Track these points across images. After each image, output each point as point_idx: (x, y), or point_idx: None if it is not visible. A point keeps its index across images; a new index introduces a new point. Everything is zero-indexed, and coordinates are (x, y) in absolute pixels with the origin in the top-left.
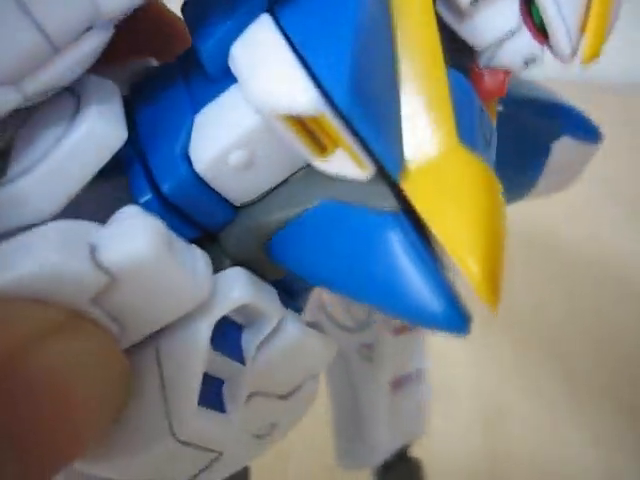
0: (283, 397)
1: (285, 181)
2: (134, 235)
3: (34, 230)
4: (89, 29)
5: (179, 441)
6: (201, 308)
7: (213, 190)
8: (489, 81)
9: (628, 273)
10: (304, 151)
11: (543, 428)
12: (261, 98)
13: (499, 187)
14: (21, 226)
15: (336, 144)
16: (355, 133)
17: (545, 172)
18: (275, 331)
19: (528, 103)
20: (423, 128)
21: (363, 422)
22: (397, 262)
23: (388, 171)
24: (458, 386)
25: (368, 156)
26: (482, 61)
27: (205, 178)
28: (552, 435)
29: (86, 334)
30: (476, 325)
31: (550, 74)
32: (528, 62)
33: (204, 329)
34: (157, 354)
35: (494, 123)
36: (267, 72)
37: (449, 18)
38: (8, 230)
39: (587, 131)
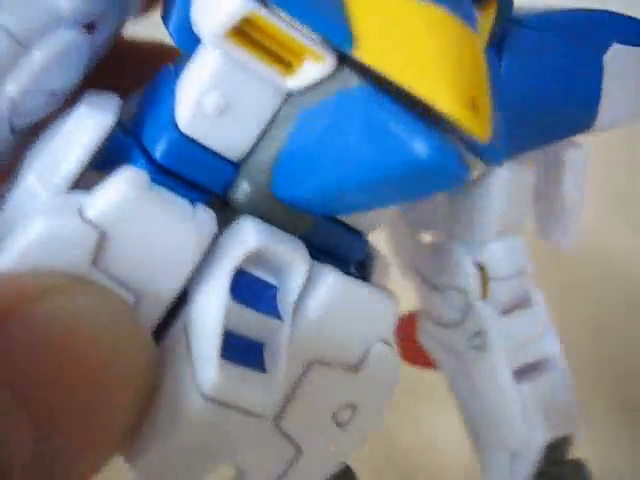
0: (351, 368)
1: (271, 122)
2: (113, 184)
3: (35, 208)
4: (57, 29)
5: (208, 398)
6: (217, 261)
7: (206, 148)
8: None
9: (623, 271)
10: (272, 75)
11: None
12: (206, 27)
13: (466, 28)
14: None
15: (296, 55)
16: (294, 25)
17: (607, 90)
18: (312, 284)
19: (560, 27)
20: None
21: (496, 423)
22: (372, 124)
23: (340, 48)
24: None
25: (321, 47)
26: None
27: (192, 135)
28: None
29: (93, 294)
30: None
31: None
32: None
33: (221, 280)
34: (184, 323)
35: None
36: (207, 7)
37: None
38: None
39: (637, 31)
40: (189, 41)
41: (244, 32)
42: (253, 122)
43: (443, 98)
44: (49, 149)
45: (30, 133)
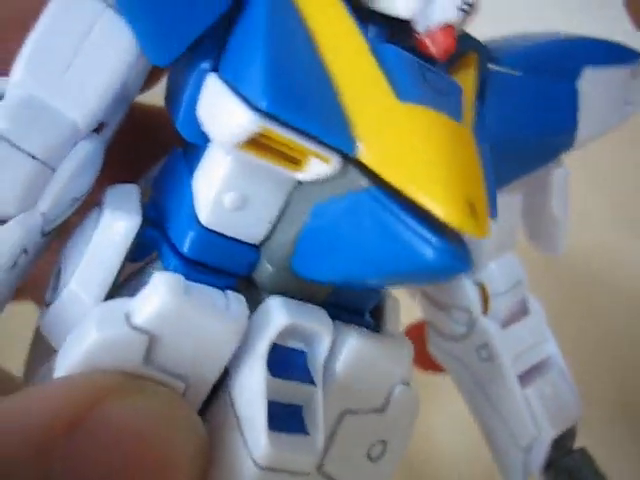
0: (379, 410)
1: (285, 207)
2: (154, 292)
3: (80, 324)
4: (76, 144)
5: (261, 467)
6: (252, 341)
7: (228, 237)
8: (432, 44)
9: (622, 273)
10: (282, 171)
11: None
12: (218, 137)
13: (452, 124)
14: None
15: (304, 154)
16: (302, 133)
17: (583, 112)
18: (337, 347)
19: (534, 64)
20: (359, 103)
21: (507, 425)
22: (382, 227)
23: (346, 153)
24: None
25: (327, 150)
26: (420, 28)
27: (214, 228)
28: None
29: (150, 392)
30: None
31: None
32: (465, 9)
33: (258, 358)
34: (230, 397)
35: (469, 72)
36: (215, 114)
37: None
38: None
39: (607, 54)
40: (198, 136)
41: (254, 140)
42: (268, 211)
43: (442, 208)
44: (86, 258)
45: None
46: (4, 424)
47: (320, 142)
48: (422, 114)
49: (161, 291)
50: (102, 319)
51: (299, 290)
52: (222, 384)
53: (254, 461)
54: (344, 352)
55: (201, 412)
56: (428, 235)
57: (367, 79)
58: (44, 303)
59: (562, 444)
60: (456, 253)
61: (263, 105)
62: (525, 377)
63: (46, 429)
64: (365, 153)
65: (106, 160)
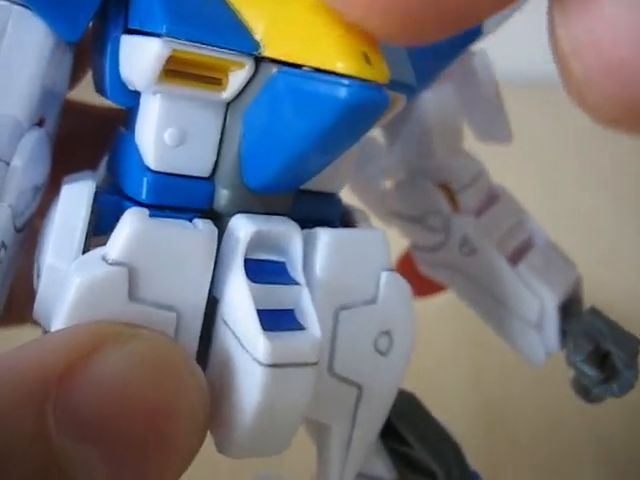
0: (371, 301)
1: (223, 130)
2: (122, 226)
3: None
4: (22, 136)
5: (266, 365)
6: (228, 259)
7: (179, 175)
8: None
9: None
10: (208, 94)
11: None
12: (139, 78)
13: None
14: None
15: (222, 71)
16: (207, 44)
17: None
18: (311, 248)
19: None
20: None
21: (512, 309)
22: (300, 93)
23: (253, 51)
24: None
25: (238, 56)
26: None
27: (163, 169)
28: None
29: (145, 338)
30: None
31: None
32: None
33: (237, 270)
34: (224, 320)
35: None
36: (132, 62)
37: None
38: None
39: None
40: (128, 98)
41: (172, 70)
42: (209, 139)
43: (340, 63)
44: (55, 233)
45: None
46: None
47: (228, 51)
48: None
49: (128, 221)
50: (80, 266)
51: (260, 206)
52: (214, 316)
53: (257, 361)
54: (318, 249)
55: (205, 351)
56: (338, 81)
57: None
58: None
59: (570, 311)
60: (367, 85)
61: (164, 29)
62: (513, 257)
63: (39, 378)
64: (268, 48)
65: (63, 159)
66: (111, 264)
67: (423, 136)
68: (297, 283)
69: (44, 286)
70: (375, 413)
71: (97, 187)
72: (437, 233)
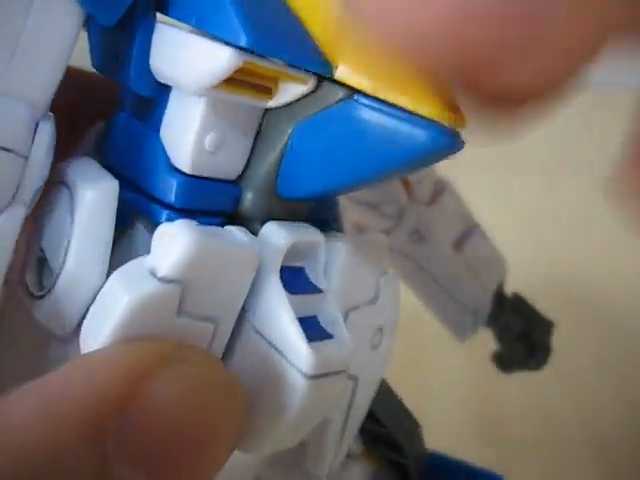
0: (372, 301)
1: (258, 135)
2: (175, 241)
3: (100, 296)
4: (37, 126)
5: (310, 376)
6: (262, 268)
7: (210, 179)
8: None
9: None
10: (255, 102)
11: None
12: (195, 84)
13: None
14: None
15: (275, 81)
16: (282, 61)
17: None
18: (328, 254)
19: None
20: (318, 23)
21: (454, 295)
22: (372, 126)
23: (325, 74)
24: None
25: (304, 72)
26: None
27: (196, 173)
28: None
29: (192, 360)
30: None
31: None
32: None
33: (274, 281)
34: (254, 327)
35: None
36: (182, 61)
37: None
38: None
39: None
40: (154, 89)
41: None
42: (244, 143)
43: (426, 107)
44: (77, 236)
45: None
46: (54, 405)
47: (299, 69)
48: None
49: (181, 236)
50: (127, 282)
51: (284, 212)
52: (238, 321)
53: (302, 373)
54: (336, 257)
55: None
56: (418, 121)
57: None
58: (29, 295)
59: (498, 294)
60: (447, 131)
61: (244, 42)
62: (458, 244)
63: (99, 406)
64: (340, 71)
65: None
66: (162, 281)
67: None
68: (321, 290)
69: (61, 292)
70: (365, 402)
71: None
72: (389, 219)
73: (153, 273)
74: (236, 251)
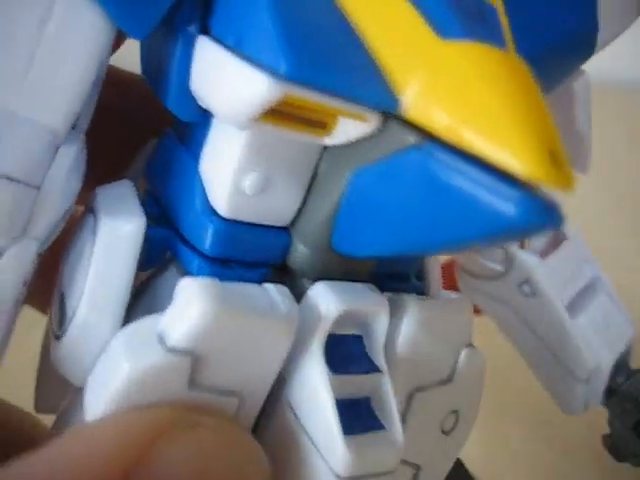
0: (446, 381)
1: (315, 178)
2: (187, 304)
3: (105, 355)
4: (57, 149)
5: (345, 479)
6: (304, 337)
7: (252, 224)
8: None
9: None
10: (307, 138)
11: None
12: (232, 113)
13: (502, 55)
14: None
15: (332, 115)
16: (332, 93)
17: (603, 6)
18: (395, 321)
19: None
20: (392, 49)
21: (561, 360)
22: (443, 188)
23: (389, 110)
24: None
25: (363, 107)
26: None
27: (235, 218)
28: None
29: (205, 426)
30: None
31: None
32: None
33: (316, 356)
34: (290, 406)
35: None
36: (219, 85)
37: None
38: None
39: None
40: (196, 113)
41: (273, 109)
42: (295, 187)
43: (518, 160)
44: (92, 277)
45: None
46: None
47: (353, 100)
48: (470, 51)
49: (195, 302)
50: (131, 347)
51: (341, 269)
52: (276, 391)
53: (335, 473)
54: (404, 327)
55: (256, 423)
56: (505, 189)
57: (397, 19)
58: (52, 335)
59: (620, 367)
60: (542, 205)
61: (283, 69)
62: (573, 306)
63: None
64: (410, 107)
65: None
66: (170, 351)
67: None
68: (378, 370)
69: (73, 339)
70: None
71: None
72: (497, 264)
73: (162, 340)
74: (265, 321)
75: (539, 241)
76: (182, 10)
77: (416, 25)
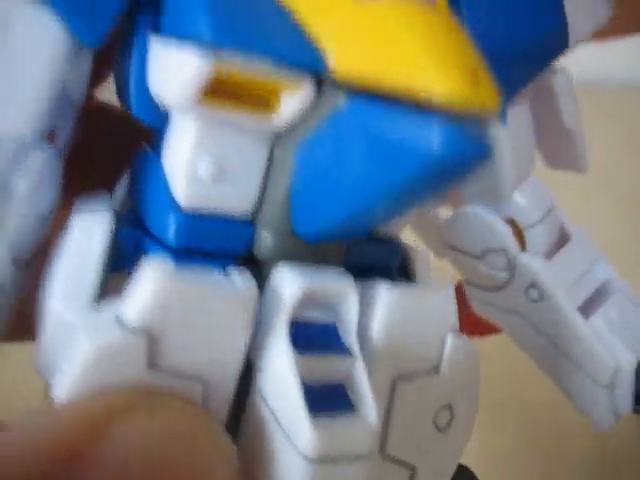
0: (432, 371)
1: (270, 164)
2: (141, 283)
3: (68, 336)
4: (27, 156)
5: (313, 460)
6: (269, 320)
7: (214, 215)
8: None
9: None
10: (254, 119)
11: None
12: (176, 98)
13: (426, 8)
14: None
15: (274, 92)
16: (259, 56)
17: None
18: (368, 306)
19: None
20: (312, 9)
21: (580, 365)
22: (376, 135)
23: (317, 73)
24: None
25: (296, 74)
26: None
27: (196, 208)
28: None
29: (164, 408)
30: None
31: None
32: None
33: (280, 337)
34: (260, 391)
35: None
36: (164, 74)
37: None
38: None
39: None
40: (157, 117)
41: (213, 90)
42: (252, 174)
43: (441, 86)
44: (62, 271)
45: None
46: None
47: (285, 66)
48: (387, 6)
49: (149, 279)
50: (92, 327)
51: (310, 256)
52: (249, 383)
53: (303, 456)
54: (378, 309)
55: (236, 419)
56: (428, 125)
57: None
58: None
59: None
60: (465, 134)
61: (207, 36)
62: (586, 307)
63: (43, 464)
64: (335, 65)
65: (74, 176)
66: (127, 329)
67: (492, 162)
68: (350, 353)
69: (48, 335)
70: None
71: (116, 214)
72: (500, 271)
73: (119, 320)
74: (221, 295)
75: (541, 242)
76: (136, 17)
77: None
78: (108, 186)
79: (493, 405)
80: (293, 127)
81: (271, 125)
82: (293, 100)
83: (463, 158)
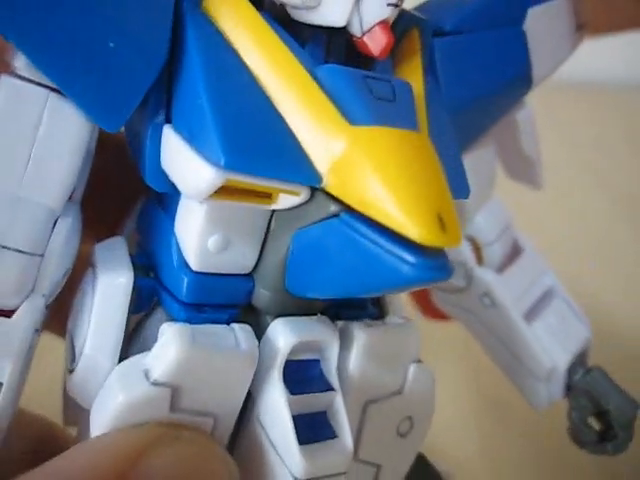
0: (397, 392)
1: (269, 232)
2: (166, 347)
3: (104, 386)
4: (56, 222)
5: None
6: (266, 365)
7: (220, 275)
8: (371, 43)
9: None
10: (257, 206)
11: None
12: (190, 191)
13: (408, 135)
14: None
15: (275, 191)
16: (264, 178)
17: (535, 50)
18: (347, 346)
19: (476, 22)
20: (313, 137)
21: (523, 362)
22: (357, 250)
23: (314, 186)
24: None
25: (294, 184)
26: (355, 30)
27: (204, 270)
28: None
29: (186, 439)
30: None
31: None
32: (394, 3)
33: (276, 380)
34: (259, 421)
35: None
36: (178, 169)
37: (298, 14)
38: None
39: None
40: (168, 186)
41: (221, 188)
42: (253, 240)
43: (412, 229)
44: (94, 323)
45: None
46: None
47: (286, 182)
48: (377, 135)
49: (172, 345)
50: (123, 380)
51: (298, 307)
52: (247, 409)
53: (293, 476)
54: (353, 351)
55: (233, 442)
56: (403, 253)
57: (315, 109)
58: (66, 369)
59: (577, 366)
60: (433, 264)
61: (222, 163)
62: (530, 313)
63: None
64: (330, 183)
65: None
66: (154, 384)
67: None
68: (332, 389)
69: (81, 373)
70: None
71: (133, 265)
72: (459, 279)
73: (147, 375)
74: (230, 357)
75: (496, 258)
76: (150, 101)
77: (330, 113)
78: (113, 221)
79: (497, 405)
80: (293, 212)
81: (270, 207)
82: (290, 199)
83: (430, 281)
